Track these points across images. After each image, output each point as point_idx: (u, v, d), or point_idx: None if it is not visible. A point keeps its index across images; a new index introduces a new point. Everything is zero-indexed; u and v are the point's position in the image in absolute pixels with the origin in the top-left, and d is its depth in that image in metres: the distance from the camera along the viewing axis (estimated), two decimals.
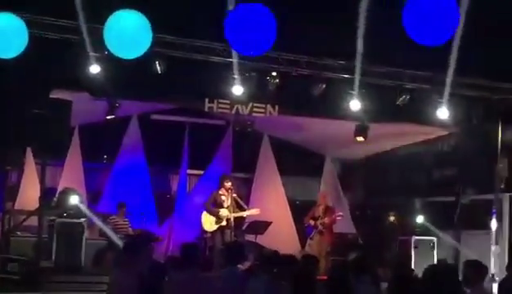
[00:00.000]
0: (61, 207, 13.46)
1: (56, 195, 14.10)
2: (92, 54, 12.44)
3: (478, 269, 7.84)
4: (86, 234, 13.15)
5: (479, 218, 14.84)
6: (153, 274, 7.85)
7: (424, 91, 14.33)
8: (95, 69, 12.49)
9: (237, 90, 13.45)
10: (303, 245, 15.60)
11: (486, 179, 14.82)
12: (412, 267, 12.86)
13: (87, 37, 12.27)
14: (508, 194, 14.80)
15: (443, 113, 14.17)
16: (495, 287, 11.99)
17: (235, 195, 14.34)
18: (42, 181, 12.98)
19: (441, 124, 14.77)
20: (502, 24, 12.90)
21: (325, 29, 12.94)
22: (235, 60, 12.91)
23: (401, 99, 14.03)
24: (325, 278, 9.01)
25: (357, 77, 13.50)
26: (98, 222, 14.03)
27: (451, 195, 16.04)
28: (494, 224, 14.41)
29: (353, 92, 13.88)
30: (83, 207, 13.86)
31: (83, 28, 12.14)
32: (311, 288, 7.52)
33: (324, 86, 13.72)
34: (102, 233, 13.99)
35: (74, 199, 13.48)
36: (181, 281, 7.67)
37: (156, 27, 11.22)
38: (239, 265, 8.64)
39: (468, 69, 13.80)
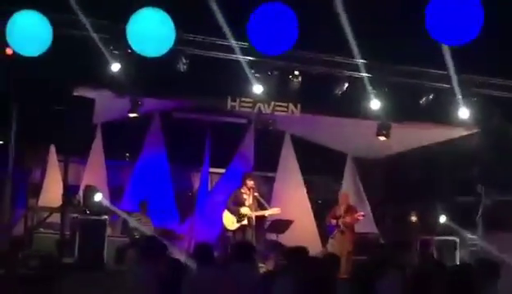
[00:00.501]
0: (84, 205, 13.55)
1: (79, 192, 14.13)
2: (114, 52, 12.52)
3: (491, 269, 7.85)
4: (108, 232, 13.25)
5: (503, 219, 14.71)
6: (172, 273, 7.86)
7: (446, 90, 14.25)
8: (117, 67, 12.56)
9: (259, 88, 13.50)
10: (324, 244, 15.56)
11: (509, 179, 14.71)
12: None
13: (109, 35, 12.38)
14: None
15: (464, 112, 14.15)
16: None
17: (256, 194, 14.37)
18: (64, 179, 13.02)
19: (462, 124, 14.73)
20: None
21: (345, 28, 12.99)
22: (257, 58, 12.97)
23: (424, 98, 14.00)
24: (347, 277, 9.04)
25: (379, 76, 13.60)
26: (125, 216, 14.15)
27: (472, 196, 15.96)
28: None
29: (375, 91, 13.91)
30: (107, 204, 13.96)
31: (106, 27, 12.27)
32: (332, 288, 7.51)
33: (346, 84, 13.72)
34: (124, 231, 14.05)
35: (97, 196, 13.55)
36: (202, 279, 7.66)
37: (179, 25, 11.25)
38: (261, 265, 8.64)
39: (489, 69, 13.78)
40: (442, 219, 15.29)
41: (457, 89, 13.96)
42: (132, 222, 13.94)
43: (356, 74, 13.83)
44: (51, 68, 11.99)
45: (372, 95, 13.96)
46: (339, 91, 13.82)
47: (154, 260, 8.09)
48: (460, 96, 14.00)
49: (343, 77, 13.75)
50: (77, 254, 12.49)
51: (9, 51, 11.78)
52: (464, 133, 15.26)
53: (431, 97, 14.05)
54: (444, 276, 7.51)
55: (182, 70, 12.90)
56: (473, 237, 14.78)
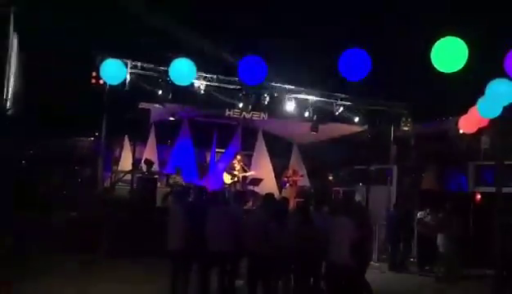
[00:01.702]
0: (145, 170, 13.55)
1: (141, 163, 14.13)
2: (162, 83, 12.52)
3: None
4: (158, 185, 13.24)
5: (380, 179, 14.71)
6: (194, 206, 7.85)
7: (349, 106, 14.37)
8: (165, 91, 12.49)
9: (244, 104, 13.49)
10: (280, 192, 15.66)
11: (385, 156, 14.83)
12: None
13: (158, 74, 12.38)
14: (395, 166, 14.76)
15: (360, 119, 14.28)
16: None
17: (242, 163, 14.49)
18: (133, 154, 13.08)
19: (358, 125, 14.83)
20: None
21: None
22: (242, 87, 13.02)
23: (336, 110, 14.11)
24: (294, 209, 9.11)
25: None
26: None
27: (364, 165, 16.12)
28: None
29: (309, 108, 13.97)
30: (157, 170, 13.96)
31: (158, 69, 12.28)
32: (287, 215, 7.60)
33: (294, 104, 13.78)
34: (167, 185, 14.03)
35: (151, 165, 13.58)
36: (217, 211, 7.69)
37: (198, 66, 11.25)
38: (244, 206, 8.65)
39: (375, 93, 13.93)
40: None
41: (356, 105, 14.17)
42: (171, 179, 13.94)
43: (300, 96, 13.93)
44: (125, 92, 12.04)
45: (308, 109, 14.07)
46: (289, 107, 13.89)
47: (183, 199, 8.13)
48: (358, 109, 14.16)
49: (292, 99, 13.83)
50: (139, 198, 12.41)
51: (101, 81, 11.79)
52: (359, 130, 15.37)
53: (341, 109, 14.16)
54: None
55: (201, 92, 12.90)
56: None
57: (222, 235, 7.35)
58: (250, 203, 11.87)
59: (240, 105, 13.60)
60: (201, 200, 8.17)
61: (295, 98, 13.86)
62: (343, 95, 14.06)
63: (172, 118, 14.75)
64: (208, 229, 7.46)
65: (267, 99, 13.61)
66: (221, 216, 7.49)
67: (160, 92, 12.59)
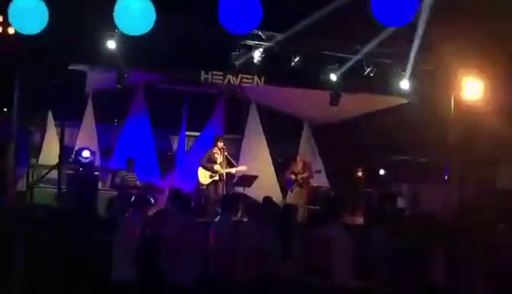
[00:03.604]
0: (77, 163, 13.53)
1: (73, 152, 14.10)
2: (105, 32, 12.46)
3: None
4: (99, 186, 13.25)
5: (433, 175, 14.83)
6: (155, 221, 7.99)
7: (388, 65, 14.40)
8: (112, 44, 12.52)
9: (229, 63, 13.53)
10: (284, 196, 15.69)
11: (440, 142, 14.88)
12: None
13: (100, 18, 12.27)
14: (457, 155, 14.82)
15: (405, 84, 14.28)
16: None
17: (226, 153, 14.43)
18: (61, 141, 13.03)
19: (402, 94, 14.85)
20: None
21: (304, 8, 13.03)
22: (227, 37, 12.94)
23: (368, 70, 14.14)
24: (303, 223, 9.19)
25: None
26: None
27: (409, 155, 16.16)
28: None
29: (330, 67, 14.04)
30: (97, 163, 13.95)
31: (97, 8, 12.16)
32: (291, 231, 7.72)
33: (302, 60, 13.81)
34: (113, 186, 14.02)
35: (84, 153, 13.56)
36: (181, 224, 7.76)
37: (160, 8, 11.18)
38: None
39: (421, 45, 13.86)
40: (382, 171, 15.45)
41: (398, 63, 14.17)
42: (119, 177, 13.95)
43: (310, 51, 13.94)
44: (48, 45, 11.92)
45: (326, 70, 14.10)
46: (297, 66, 13.89)
47: (139, 209, 8.23)
48: (401, 70, 14.16)
49: (300, 54, 13.83)
50: (72, 206, 12.40)
51: (11, 31, 11.69)
52: (403, 101, 15.41)
53: (375, 71, 14.20)
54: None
55: (163, 48, 12.84)
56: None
57: (190, 261, 7.50)
58: (239, 214, 11.90)
59: (224, 65, 13.70)
60: (163, 209, 8.23)
61: (304, 53, 13.85)
62: (378, 49, 14.03)
63: (119, 86, 14.67)
64: (169, 251, 7.58)
65: (263, 55, 13.60)
66: (189, 233, 7.57)
67: (103, 46, 12.55)
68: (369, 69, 14.19)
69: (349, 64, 14.04)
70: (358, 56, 13.99)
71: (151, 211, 9.57)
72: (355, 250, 7.48)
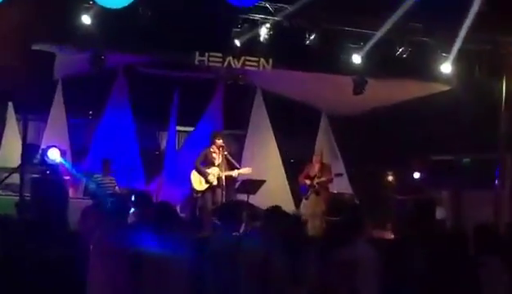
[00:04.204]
0: (44, 165, 13.47)
1: (39, 152, 14.03)
2: (79, 4, 12.41)
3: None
4: (70, 193, 13.17)
5: (480, 178, 14.79)
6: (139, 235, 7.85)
7: (426, 44, 14.26)
8: (86, 19, 12.42)
9: (229, 42, 13.51)
10: (297, 205, 15.60)
11: (488, 137, 14.80)
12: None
13: None
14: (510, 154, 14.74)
15: (446, 67, 14.15)
16: None
17: (226, 153, 14.37)
18: (24, 138, 12.96)
19: (443, 79, 14.75)
20: None
21: None
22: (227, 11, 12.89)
23: (400, 51, 14.00)
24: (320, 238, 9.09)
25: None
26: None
27: (450, 154, 16.03)
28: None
29: (354, 46, 13.90)
30: (68, 165, 13.89)
31: None
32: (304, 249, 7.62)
33: (320, 38, 13.66)
34: (87, 192, 13.97)
35: (53, 154, 13.49)
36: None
37: None
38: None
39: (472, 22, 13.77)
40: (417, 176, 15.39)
41: (438, 42, 14.07)
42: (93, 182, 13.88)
43: (331, 27, 13.82)
44: (7, 20, 11.83)
45: (349, 50, 14.00)
46: (312, 45, 13.76)
47: (120, 223, 8.09)
48: (441, 50, 14.07)
49: (317, 30, 13.70)
50: (37, 217, 12.34)
51: None
52: (445, 88, 15.29)
53: (409, 51, 14.05)
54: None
55: (148, 23, 12.78)
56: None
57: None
58: (242, 228, 11.82)
59: (224, 45, 13.66)
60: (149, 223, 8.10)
61: (321, 29, 13.72)
62: (413, 24, 13.93)
63: (95, 70, 14.62)
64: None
65: (271, 32, 13.49)
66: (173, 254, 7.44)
67: (75, 21, 12.50)
68: (401, 50, 14.02)
69: (374, 41, 13.83)
70: (387, 33, 13.83)
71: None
72: (386, 274, 7.36)
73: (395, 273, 7.64)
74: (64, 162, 13.80)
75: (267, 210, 8.02)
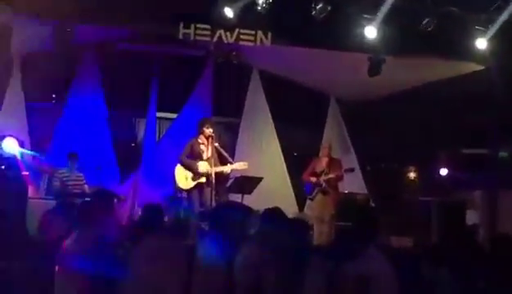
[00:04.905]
0: None
1: None
2: None
3: None
4: (29, 191, 13.22)
5: None
6: (115, 240, 7.93)
7: (456, 15, 14.34)
8: None
9: (223, 12, 13.54)
10: (301, 207, 15.69)
11: None
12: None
13: None
14: None
15: (481, 43, 14.20)
16: None
17: (216, 144, 14.34)
18: None
19: (476, 57, 14.80)
20: None
21: None
22: None
23: (425, 23, 14.08)
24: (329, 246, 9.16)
25: None
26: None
27: (484, 147, 16.12)
28: None
29: (368, 16, 13.95)
30: (26, 158, 13.93)
31: None
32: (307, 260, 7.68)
33: (329, 8, 13.73)
34: (50, 191, 14.01)
35: (9, 145, 13.53)
36: (151, 249, 7.73)
37: None
38: None
39: None
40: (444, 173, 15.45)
41: (472, 13, 14.14)
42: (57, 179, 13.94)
43: None
44: None
45: (363, 22, 14.04)
46: (319, 16, 13.83)
47: (90, 226, 8.14)
48: (476, 23, 14.11)
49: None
50: None
51: None
52: (478, 68, 15.36)
53: (435, 23, 14.13)
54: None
55: None
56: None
57: None
58: (235, 233, 11.88)
59: (214, 15, 13.68)
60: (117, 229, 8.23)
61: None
62: None
63: (60, 46, 14.68)
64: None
65: (270, 0, 13.51)
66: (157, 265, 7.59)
67: None
68: (426, 21, 14.10)
69: (391, 10, 13.89)
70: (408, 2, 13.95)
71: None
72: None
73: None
74: (23, 153, 13.83)
75: (265, 212, 8.04)
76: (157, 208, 8.95)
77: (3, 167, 13.34)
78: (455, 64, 15.30)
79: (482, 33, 14.07)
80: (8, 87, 15.66)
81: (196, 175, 14.10)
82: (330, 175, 14.78)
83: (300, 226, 8.32)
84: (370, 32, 13.96)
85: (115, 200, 13.87)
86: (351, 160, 16.95)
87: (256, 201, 14.12)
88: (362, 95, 17.13)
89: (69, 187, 13.78)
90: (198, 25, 14.34)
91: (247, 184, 14.63)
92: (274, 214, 7.93)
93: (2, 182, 12.91)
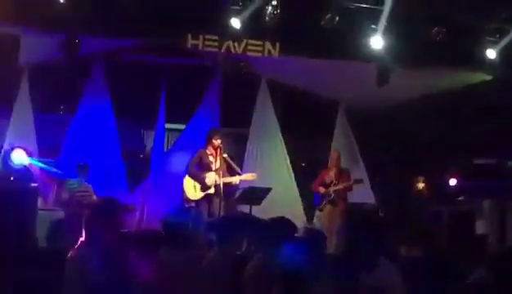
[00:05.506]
0: (7, 169, 13.52)
1: (1, 154, 14.10)
2: None
3: None
4: (39, 203, 13.23)
5: None
6: (123, 251, 7.91)
7: (465, 24, 14.32)
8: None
9: (230, 23, 13.56)
10: (309, 218, 15.67)
11: None
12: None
13: None
14: None
15: (491, 53, 14.18)
16: None
17: (225, 155, 14.37)
18: None
19: (485, 67, 14.78)
20: None
21: None
22: None
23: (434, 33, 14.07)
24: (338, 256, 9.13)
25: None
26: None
27: (494, 156, 16.09)
28: None
29: (375, 27, 13.95)
30: (35, 169, 13.94)
31: None
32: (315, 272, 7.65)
33: (337, 18, 13.74)
34: (59, 202, 14.01)
35: (20, 157, 13.53)
36: (176, 263, 7.71)
37: None
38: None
39: None
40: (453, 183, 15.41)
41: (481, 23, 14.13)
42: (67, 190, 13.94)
43: (350, 4, 13.90)
44: None
45: (371, 32, 14.05)
46: (327, 26, 13.86)
47: (98, 236, 8.13)
48: (484, 33, 14.10)
49: (334, 8, 13.79)
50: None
51: None
52: (487, 78, 15.33)
53: (444, 32, 14.12)
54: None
55: (128, 1, 12.88)
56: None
57: None
58: (244, 245, 11.88)
59: (222, 26, 13.71)
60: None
61: (340, 7, 13.82)
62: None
63: (68, 57, 14.71)
64: None
65: (279, 11, 13.55)
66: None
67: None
68: (435, 30, 14.12)
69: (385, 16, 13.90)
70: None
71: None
72: None
73: None
74: (32, 164, 13.82)
75: (272, 222, 8.01)
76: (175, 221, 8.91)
77: (13, 178, 13.37)
78: (465, 73, 15.27)
79: (492, 44, 14.06)
80: (16, 99, 15.68)
81: (204, 186, 14.14)
82: (339, 186, 14.83)
83: (316, 236, 8.32)
84: (377, 42, 13.96)
85: (123, 209, 14.02)
86: (359, 170, 16.92)
87: (265, 211, 14.14)
88: (371, 105, 17.08)
89: (78, 198, 13.78)
90: (206, 36, 14.37)
91: (256, 194, 14.60)
92: (282, 223, 7.93)
93: (12, 194, 12.93)
